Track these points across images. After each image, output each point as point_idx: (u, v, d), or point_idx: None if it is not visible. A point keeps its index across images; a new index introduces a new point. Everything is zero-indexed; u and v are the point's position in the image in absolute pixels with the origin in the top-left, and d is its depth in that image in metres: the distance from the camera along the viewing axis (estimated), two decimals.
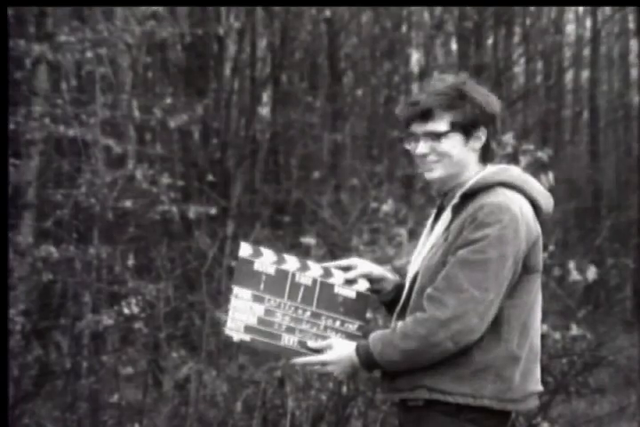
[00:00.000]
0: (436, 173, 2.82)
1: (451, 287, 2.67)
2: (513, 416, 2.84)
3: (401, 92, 14.82)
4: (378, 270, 3.00)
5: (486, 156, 2.85)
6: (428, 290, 2.71)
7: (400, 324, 2.73)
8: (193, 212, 8.44)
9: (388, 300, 3.00)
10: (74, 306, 7.63)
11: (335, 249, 7.98)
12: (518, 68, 16.99)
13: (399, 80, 14.86)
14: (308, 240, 7.59)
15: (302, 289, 2.93)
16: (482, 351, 2.70)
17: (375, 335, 2.77)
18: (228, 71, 12.97)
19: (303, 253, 7.82)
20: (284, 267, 2.94)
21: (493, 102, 2.83)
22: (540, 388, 2.84)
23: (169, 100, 9.11)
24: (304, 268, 2.95)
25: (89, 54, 7.89)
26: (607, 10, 16.52)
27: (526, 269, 2.75)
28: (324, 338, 2.91)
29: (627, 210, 15.67)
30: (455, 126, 2.78)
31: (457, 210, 2.78)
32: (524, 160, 6.83)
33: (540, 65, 17.44)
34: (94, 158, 7.75)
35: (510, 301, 2.72)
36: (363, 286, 2.98)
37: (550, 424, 6.52)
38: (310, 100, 13.35)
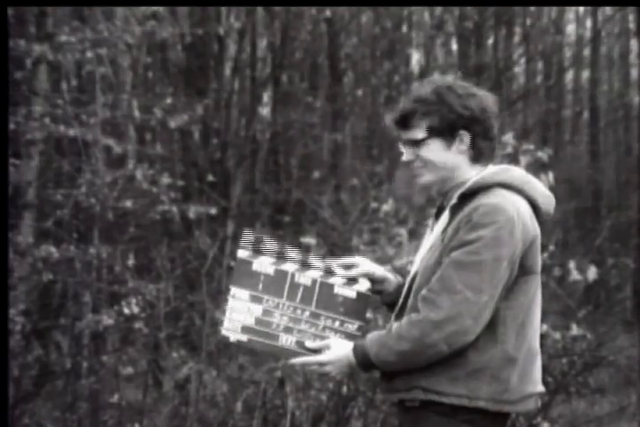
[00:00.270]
0: (423, 178, 2.85)
1: (445, 289, 2.67)
2: (513, 416, 2.84)
3: (401, 92, 14.78)
4: (380, 271, 3.00)
5: (478, 156, 2.83)
6: (423, 291, 2.71)
7: (396, 325, 2.73)
8: (193, 212, 8.44)
9: (389, 301, 3.00)
10: (74, 306, 7.63)
11: (335, 249, 7.98)
12: (518, 68, 16.99)
13: (399, 80, 14.86)
14: (309, 240, 7.58)
15: (301, 289, 2.93)
16: (477, 353, 2.70)
17: (372, 336, 2.77)
18: (228, 71, 12.97)
19: (303, 253, 7.81)
20: (283, 267, 2.94)
21: (477, 103, 2.80)
22: (540, 389, 2.83)
23: (169, 100, 9.11)
24: (304, 268, 2.95)
25: (89, 54, 7.89)
26: (607, 10, 16.52)
27: (523, 270, 2.74)
28: (323, 338, 2.91)
29: (627, 210, 15.67)
30: (432, 132, 2.80)
31: (455, 210, 2.78)
32: (524, 160, 6.82)
33: (540, 65, 17.45)
34: (94, 158, 7.75)
35: (506, 302, 2.72)
36: (363, 285, 2.97)
37: (550, 424, 6.52)
38: (310, 100, 13.35)
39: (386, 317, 5.59)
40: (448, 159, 2.81)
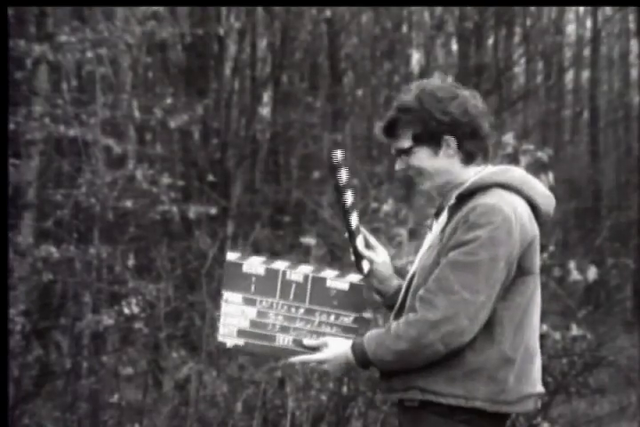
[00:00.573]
0: (424, 186, 2.87)
1: (442, 289, 2.67)
2: (513, 417, 2.84)
3: (401, 93, 14.79)
4: (389, 270, 3.02)
5: (469, 158, 2.82)
6: (420, 291, 2.71)
7: (394, 324, 2.73)
8: (193, 212, 8.44)
9: (391, 304, 3.00)
10: (74, 306, 7.64)
11: (335, 249, 7.98)
12: (518, 69, 16.99)
13: (399, 80, 14.84)
14: (308, 240, 7.58)
15: (294, 286, 2.93)
16: (474, 353, 2.70)
17: (370, 334, 2.78)
18: (228, 71, 12.98)
19: (303, 253, 7.82)
20: (273, 266, 2.93)
21: (458, 105, 2.78)
22: (539, 389, 2.82)
23: (169, 100, 9.11)
24: (294, 265, 2.95)
25: (89, 54, 7.89)
26: (607, 10, 16.53)
27: (521, 270, 2.74)
28: (319, 334, 2.91)
29: (627, 210, 15.68)
30: (417, 140, 2.81)
31: (453, 211, 2.78)
32: (524, 160, 6.82)
33: (540, 65, 17.45)
34: (94, 158, 7.75)
35: (503, 302, 2.72)
36: (355, 277, 2.97)
37: (550, 424, 6.53)
38: (310, 100, 13.35)
39: (386, 316, 5.59)
40: (439, 165, 2.82)
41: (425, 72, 13.95)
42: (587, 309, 8.02)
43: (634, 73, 18.75)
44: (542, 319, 2.91)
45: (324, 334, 2.91)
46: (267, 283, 2.91)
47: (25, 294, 7.50)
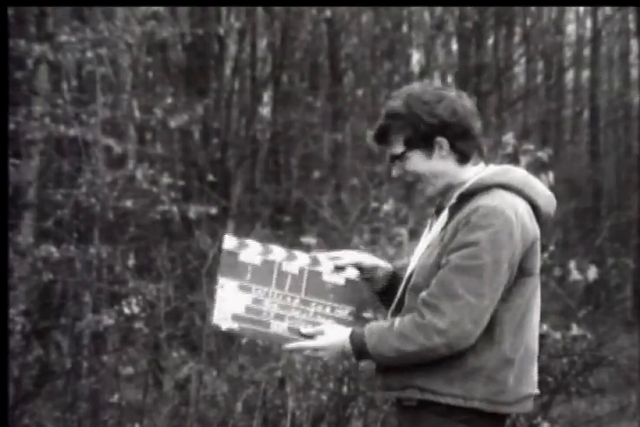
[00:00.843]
0: (427, 191, 2.87)
1: (446, 294, 2.67)
2: (513, 416, 2.84)
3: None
4: (370, 260, 3.00)
5: (463, 158, 2.82)
6: (423, 295, 2.71)
7: (398, 322, 2.73)
8: (193, 212, 8.45)
9: (378, 289, 3.00)
10: (74, 306, 7.64)
11: (335, 249, 7.97)
12: (519, 68, 17.01)
13: (400, 80, 14.84)
14: (309, 240, 7.57)
15: (290, 278, 2.92)
16: (474, 354, 2.70)
17: (372, 327, 2.77)
18: (228, 71, 12.99)
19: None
20: (270, 257, 2.93)
21: (446, 107, 2.78)
22: (536, 391, 2.83)
23: (169, 100, 9.12)
24: (291, 257, 2.94)
25: (89, 54, 7.89)
26: (607, 10, 16.53)
27: (522, 272, 2.74)
28: (315, 324, 2.90)
29: (627, 210, 15.68)
30: (409, 145, 2.81)
31: (454, 210, 2.78)
32: (524, 160, 6.82)
33: (540, 65, 17.46)
34: (95, 158, 7.76)
35: (503, 304, 2.72)
36: (352, 273, 2.97)
37: (550, 424, 6.52)
38: (311, 100, 13.36)
39: (385, 316, 5.58)
40: (434, 168, 2.82)
41: (425, 72, 13.96)
42: (587, 309, 8.01)
43: (634, 73, 18.75)
44: (542, 319, 2.91)
45: (319, 324, 2.91)
46: (263, 273, 2.91)
47: (25, 293, 7.50)
